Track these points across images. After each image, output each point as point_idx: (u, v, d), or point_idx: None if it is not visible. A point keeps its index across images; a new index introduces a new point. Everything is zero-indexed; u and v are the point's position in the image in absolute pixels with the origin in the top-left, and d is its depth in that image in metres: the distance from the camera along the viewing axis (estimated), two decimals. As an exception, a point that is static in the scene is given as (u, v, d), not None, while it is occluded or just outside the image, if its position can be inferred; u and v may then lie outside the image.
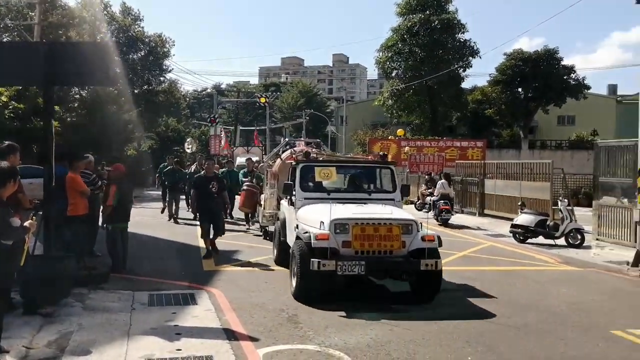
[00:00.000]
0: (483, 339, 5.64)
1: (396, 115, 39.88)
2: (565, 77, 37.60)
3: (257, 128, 38.46)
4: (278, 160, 11.38)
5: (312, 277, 6.63)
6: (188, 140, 30.46)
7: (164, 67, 36.09)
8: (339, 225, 6.79)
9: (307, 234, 6.87)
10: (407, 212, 7.84)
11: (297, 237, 7.20)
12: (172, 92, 39.20)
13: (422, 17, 36.13)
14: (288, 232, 8.45)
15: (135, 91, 35.06)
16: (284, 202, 9.06)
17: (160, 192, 17.46)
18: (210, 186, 9.77)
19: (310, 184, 8.36)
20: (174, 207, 15.21)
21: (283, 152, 11.81)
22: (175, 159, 17.43)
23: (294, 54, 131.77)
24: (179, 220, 14.99)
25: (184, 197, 15.47)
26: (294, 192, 8.15)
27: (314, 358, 5.01)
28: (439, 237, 7.02)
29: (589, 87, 39.09)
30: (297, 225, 7.59)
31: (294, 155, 9.90)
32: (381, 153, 9.05)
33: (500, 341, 5.61)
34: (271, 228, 10.89)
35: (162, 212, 16.01)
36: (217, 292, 7.33)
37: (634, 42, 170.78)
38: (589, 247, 12.03)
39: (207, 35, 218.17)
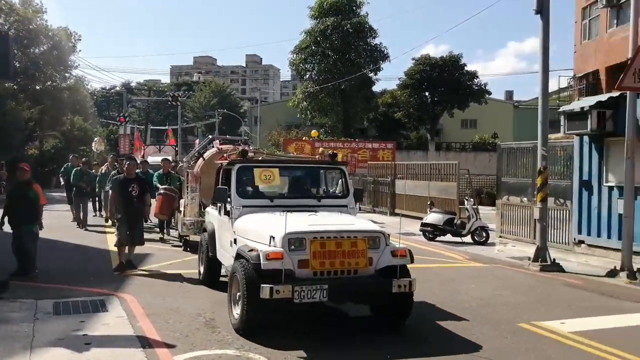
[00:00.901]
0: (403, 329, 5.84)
1: (310, 116, 40.25)
2: (469, 83, 39.89)
3: (170, 127, 37.06)
4: (200, 161, 10.37)
5: (262, 307, 5.34)
6: (95, 139, 28.82)
7: (69, 62, 33.91)
8: (294, 241, 5.47)
9: (253, 252, 5.47)
10: (370, 222, 6.68)
11: (239, 256, 5.81)
12: (78, 89, 36.91)
13: (335, 20, 36.77)
14: (219, 246, 7.28)
15: (38, 87, 32.65)
16: (212, 210, 7.84)
17: (65, 195, 15.79)
18: (131, 189, 8.78)
19: (249, 188, 6.94)
20: (81, 214, 13.92)
21: (205, 151, 10.68)
22: (83, 159, 16.07)
23: (206, 53, 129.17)
24: (88, 228, 13.69)
25: (92, 201, 14.59)
26: (229, 199, 6.65)
27: (235, 362, 4.87)
28: (410, 252, 5.93)
29: (490, 93, 41.86)
30: (236, 240, 6.28)
31: (225, 155, 8.20)
32: (330, 152, 7.79)
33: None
34: (194, 237, 10.07)
35: (74, 221, 14.35)
36: (129, 298, 6.96)
37: (528, 52, 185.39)
38: (493, 244, 12.80)
39: (116, 32, 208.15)
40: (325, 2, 37.22)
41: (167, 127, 36.91)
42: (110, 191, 10.72)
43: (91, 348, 5.05)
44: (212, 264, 7.57)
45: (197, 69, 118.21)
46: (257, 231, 5.94)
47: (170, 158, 15.16)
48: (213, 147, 10.57)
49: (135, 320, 6.02)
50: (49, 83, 32.97)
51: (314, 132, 32.56)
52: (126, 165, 9.25)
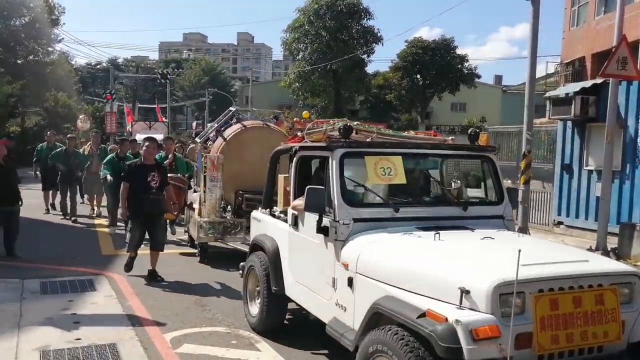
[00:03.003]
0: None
1: (302, 97, 40.12)
2: (459, 67, 39.92)
3: (160, 105, 36.62)
4: (219, 141, 8.45)
5: None
6: (81, 117, 28.41)
7: (52, 36, 33.26)
8: (506, 298, 2.94)
9: (438, 324, 2.92)
10: (598, 255, 4.52)
11: (378, 316, 3.41)
12: (61, 64, 36.32)
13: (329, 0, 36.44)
14: (292, 279, 4.73)
15: (19, 61, 32.05)
16: (268, 218, 5.29)
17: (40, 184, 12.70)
18: (150, 179, 6.86)
19: (360, 190, 4.35)
20: (69, 204, 11.60)
21: (226, 128, 8.72)
22: (69, 136, 13.44)
23: (197, 30, 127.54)
24: (78, 220, 11.48)
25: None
26: (329, 209, 4.05)
27: (224, 339, 4.99)
28: None
29: (479, 77, 42.03)
30: (351, 280, 3.78)
31: (302, 134, 4.88)
32: (470, 131, 4.79)
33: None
34: (213, 243, 7.96)
35: (47, 212, 12.35)
36: (117, 277, 7.02)
37: (519, 37, 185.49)
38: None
39: (103, 5, 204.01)
40: (318, -20, 36.88)
41: (155, 105, 36.37)
42: (107, 177, 9.79)
43: (80, 327, 5.12)
44: (275, 304, 4.96)
45: (187, 46, 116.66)
46: (421, 274, 3.32)
47: (157, 136, 12.54)
48: (235, 122, 8.69)
49: (124, 299, 6.09)
50: (30, 57, 32.27)
51: (305, 113, 32.41)
52: (144, 149, 7.09)
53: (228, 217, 8.29)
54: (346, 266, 3.84)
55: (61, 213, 11.80)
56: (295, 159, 4.85)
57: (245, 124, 8.58)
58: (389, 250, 3.70)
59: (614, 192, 9.71)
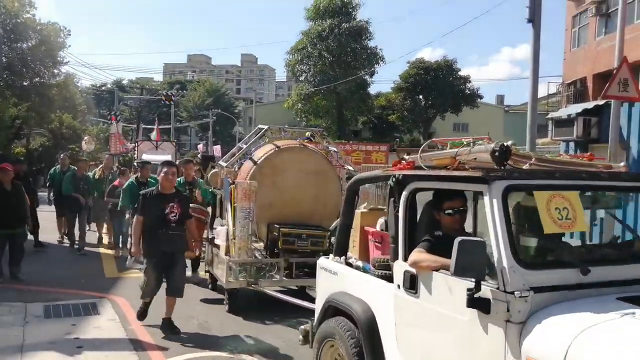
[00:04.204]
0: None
1: (305, 118, 40.38)
2: (461, 87, 40.20)
3: (162, 127, 36.78)
4: (248, 165, 7.27)
5: None
6: (86, 138, 28.60)
7: (58, 58, 33.69)
8: None
9: None
10: None
11: None
12: (67, 85, 36.68)
13: (332, 22, 36.89)
14: None
15: (25, 83, 32.40)
16: (359, 275, 3.88)
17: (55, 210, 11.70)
18: (168, 210, 5.76)
19: (530, 243, 3.07)
20: (76, 232, 10.64)
21: (256, 148, 7.62)
22: (80, 159, 12.32)
23: (201, 52, 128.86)
24: (86, 250, 10.45)
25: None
26: (492, 273, 2.75)
27: (226, 365, 4.93)
28: None
29: (481, 97, 42.27)
30: None
31: (411, 158, 3.59)
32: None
33: None
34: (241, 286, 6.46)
35: (62, 240, 11.29)
36: (121, 301, 7.00)
37: (520, 57, 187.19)
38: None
39: (108, 28, 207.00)
40: (321, 4, 37.36)
41: (154, 126, 36.39)
42: (123, 208, 8.65)
43: (83, 352, 5.09)
44: None
45: (192, 68, 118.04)
46: None
47: (165, 157, 12.00)
48: (265, 142, 7.67)
49: (127, 323, 6.07)
50: (36, 79, 32.66)
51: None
52: (162, 174, 5.89)
53: (259, 256, 6.94)
54: None
55: (68, 243, 10.94)
56: (405, 193, 3.37)
57: (278, 144, 7.35)
58: (623, 348, 2.29)
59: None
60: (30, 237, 9.89)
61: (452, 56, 53.21)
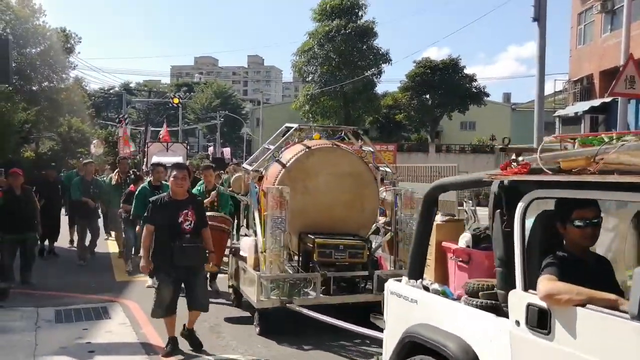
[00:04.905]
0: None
1: (312, 119, 40.43)
2: (468, 86, 40.11)
3: (169, 129, 36.83)
4: (275, 168, 6.50)
5: None
6: (94, 141, 28.78)
7: (67, 63, 33.99)
8: None
9: None
10: None
11: None
12: (75, 90, 36.97)
13: (339, 23, 36.90)
14: None
15: (34, 88, 32.71)
16: (448, 304, 3.18)
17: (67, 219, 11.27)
18: (181, 219, 5.18)
19: None
20: (86, 242, 9.97)
21: (284, 148, 6.82)
22: (85, 161, 11.54)
23: (208, 54, 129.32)
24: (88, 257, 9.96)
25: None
26: None
27: (236, 368, 4.93)
28: None
29: (488, 95, 42.14)
30: None
31: (525, 160, 2.71)
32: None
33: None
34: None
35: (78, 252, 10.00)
36: (132, 305, 7.05)
37: (526, 56, 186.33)
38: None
39: (116, 32, 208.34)
40: (328, 4, 37.37)
41: (162, 128, 36.55)
42: (135, 217, 7.71)
43: (95, 356, 5.14)
44: None
45: (198, 70, 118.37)
46: None
47: (177, 158, 10.98)
48: (297, 141, 6.95)
49: (138, 326, 6.11)
50: (45, 84, 32.98)
51: (316, 135, 32.69)
52: (172, 178, 5.39)
53: (290, 270, 6.14)
54: None
55: (79, 259, 9.79)
56: (522, 204, 2.68)
57: (308, 144, 6.59)
58: None
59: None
60: (46, 242, 10.15)
61: (458, 55, 53.03)
